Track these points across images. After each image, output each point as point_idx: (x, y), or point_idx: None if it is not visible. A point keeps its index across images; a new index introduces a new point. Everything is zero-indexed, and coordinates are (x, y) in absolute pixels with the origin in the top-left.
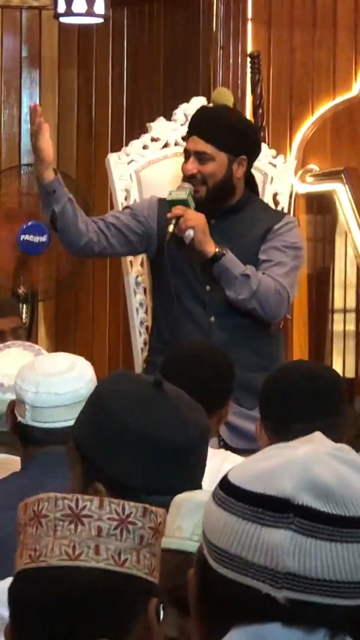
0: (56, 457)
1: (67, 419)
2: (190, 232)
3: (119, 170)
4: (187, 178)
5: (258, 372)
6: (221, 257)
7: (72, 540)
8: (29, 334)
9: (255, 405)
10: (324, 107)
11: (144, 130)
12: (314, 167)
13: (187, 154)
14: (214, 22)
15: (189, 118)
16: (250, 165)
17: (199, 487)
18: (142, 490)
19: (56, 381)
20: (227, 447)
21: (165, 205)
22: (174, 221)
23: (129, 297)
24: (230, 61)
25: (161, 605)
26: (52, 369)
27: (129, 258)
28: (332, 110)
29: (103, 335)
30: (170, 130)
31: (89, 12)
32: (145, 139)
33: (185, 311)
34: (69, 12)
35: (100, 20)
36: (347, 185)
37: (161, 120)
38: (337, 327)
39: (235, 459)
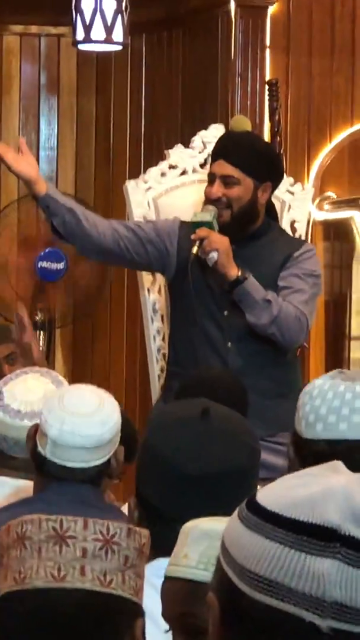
0: (68, 492)
1: (86, 461)
2: (214, 255)
3: (136, 197)
4: (212, 202)
5: (274, 400)
6: (243, 280)
7: (57, 561)
8: (46, 361)
9: (271, 434)
10: (341, 135)
11: (162, 157)
12: (331, 194)
13: (211, 177)
14: (233, 50)
15: (207, 145)
16: (272, 192)
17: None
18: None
19: (82, 422)
20: None
21: (186, 228)
22: (197, 243)
23: (146, 325)
24: (249, 88)
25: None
26: (80, 407)
27: (147, 285)
28: (350, 138)
29: (120, 362)
30: (188, 157)
31: (108, 40)
32: (163, 166)
33: (203, 335)
34: (87, 40)
35: (119, 47)
36: None
37: (179, 147)
38: (354, 354)
39: None
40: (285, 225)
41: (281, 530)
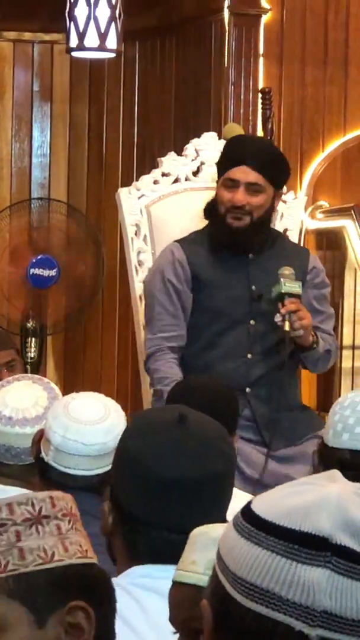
0: None
1: (88, 469)
2: (300, 332)
3: (129, 205)
4: (234, 208)
5: (282, 412)
6: (317, 344)
7: None
8: (37, 368)
9: (281, 446)
10: (334, 144)
11: (155, 165)
12: (324, 203)
13: (233, 183)
14: (226, 58)
15: (200, 153)
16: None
17: (222, 519)
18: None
19: (86, 430)
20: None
21: (187, 246)
22: (287, 316)
23: (138, 332)
24: (242, 97)
25: None
26: (85, 416)
27: (139, 293)
28: (343, 147)
29: (112, 369)
30: (181, 165)
31: (101, 47)
32: (155, 173)
33: (222, 349)
34: (81, 47)
35: (112, 55)
36: (356, 222)
37: (172, 155)
38: (346, 363)
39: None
40: None
41: (273, 539)
